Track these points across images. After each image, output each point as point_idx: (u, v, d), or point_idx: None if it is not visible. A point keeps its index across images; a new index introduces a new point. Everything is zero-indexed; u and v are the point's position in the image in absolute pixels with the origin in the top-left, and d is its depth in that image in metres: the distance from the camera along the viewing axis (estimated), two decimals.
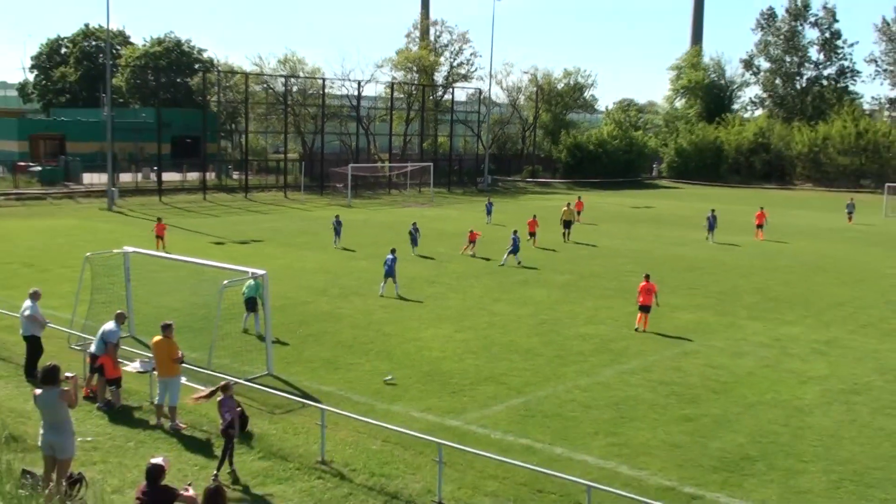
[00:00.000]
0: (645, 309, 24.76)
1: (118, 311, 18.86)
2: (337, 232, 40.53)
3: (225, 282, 19.82)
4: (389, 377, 19.76)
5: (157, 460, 10.96)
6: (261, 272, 20.01)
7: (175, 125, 77.65)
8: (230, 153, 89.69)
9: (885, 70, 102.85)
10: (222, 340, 20.86)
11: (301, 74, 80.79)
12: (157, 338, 16.63)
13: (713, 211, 46.47)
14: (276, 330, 22.34)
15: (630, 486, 14.05)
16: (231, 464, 14.12)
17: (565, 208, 46.11)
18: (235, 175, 78.17)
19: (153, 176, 68.85)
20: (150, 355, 17.46)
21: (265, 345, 20.15)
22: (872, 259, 40.73)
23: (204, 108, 75.05)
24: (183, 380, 16.97)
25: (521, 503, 13.55)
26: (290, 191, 71.63)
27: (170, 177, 71.26)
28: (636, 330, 24.56)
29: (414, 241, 38.25)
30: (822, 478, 14.80)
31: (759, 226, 47.77)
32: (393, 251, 29.63)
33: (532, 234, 41.93)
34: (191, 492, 10.98)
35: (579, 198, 58.57)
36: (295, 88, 79.92)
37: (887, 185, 70.57)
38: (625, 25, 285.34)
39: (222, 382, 14.81)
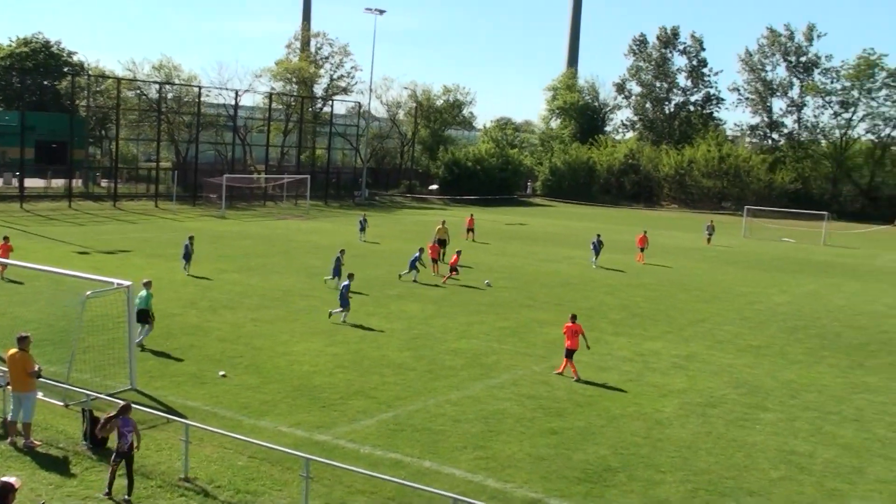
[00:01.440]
0: (570, 354, 22.28)
1: None
2: (187, 256, 34.72)
3: (87, 292, 19.14)
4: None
5: (7, 479, 10.49)
6: (126, 283, 19.42)
7: (40, 129, 74.45)
8: (99, 160, 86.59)
9: (746, 98, 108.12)
10: (83, 354, 20.13)
11: (176, 81, 78.88)
12: (13, 350, 15.90)
13: (599, 235, 45.49)
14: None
15: (496, 499, 14.28)
16: (130, 489, 13.71)
17: (440, 226, 44.28)
18: (104, 183, 75.57)
19: (15, 182, 65.88)
20: (5, 369, 16.67)
21: (128, 358, 19.53)
22: (730, 278, 42.67)
23: (72, 113, 72.35)
24: (39, 395, 16.30)
25: None
26: (162, 200, 69.75)
27: (33, 183, 68.41)
28: (559, 374, 22.29)
29: (336, 272, 32.94)
30: (679, 487, 15.39)
31: (641, 248, 47.30)
32: (350, 276, 28.46)
33: (453, 269, 36.93)
34: None
35: (471, 215, 57.39)
36: (170, 95, 77.92)
37: (746, 207, 74.28)
38: (504, 45, 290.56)
39: (122, 404, 14.29)
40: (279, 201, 77.07)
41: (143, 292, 22.92)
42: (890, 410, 20.78)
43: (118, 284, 19.51)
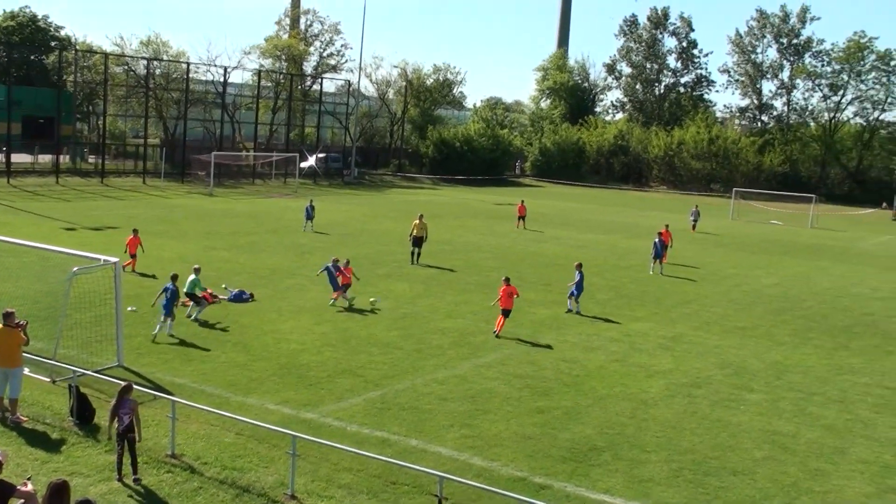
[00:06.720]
0: (506, 313, 24.17)
1: None
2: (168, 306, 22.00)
3: (74, 269, 19.06)
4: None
5: None
6: (113, 259, 19.35)
7: (27, 104, 73.86)
8: (86, 136, 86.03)
9: (736, 80, 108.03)
10: (70, 330, 20.10)
11: (164, 57, 78.34)
12: None
13: (660, 234, 38.42)
14: (128, 319, 21.68)
15: (482, 477, 14.34)
16: (135, 468, 13.59)
17: (416, 222, 36.37)
18: (91, 159, 75.16)
19: (1, 157, 65.42)
20: None
21: (115, 335, 19.48)
22: (717, 260, 42.82)
23: (59, 88, 71.82)
24: (25, 371, 16.27)
25: (374, 495, 13.60)
26: (150, 177, 69.46)
27: (20, 158, 67.95)
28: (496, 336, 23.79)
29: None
30: (663, 467, 15.49)
31: (666, 246, 38.43)
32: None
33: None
34: (29, 486, 10.55)
35: (522, 201, 53.47)
36: (158, 71, 77.37)
37: (735, 189, 74.39)
38: (494, 24, 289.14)
39: (123, 384, 14.20)
40: (268, 179, 76.82)
41: (192, 276, 23.80)
42: (873, 392, 20.96)
43: (105, 261, 19.44)
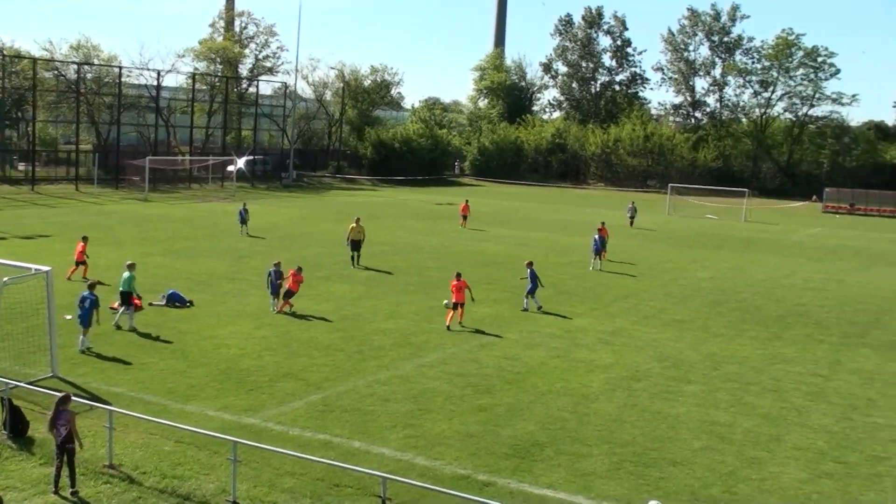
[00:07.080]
0: (457, 306, 25.10)
1: None
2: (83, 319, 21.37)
3: (5, 279, 18.60)
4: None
5: None
6: (45, 268, 18.93)
7: None
8: (15, 143, 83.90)
9: (670, 78, 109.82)
10: (1, 342, 19.64)
11: (95, 62, 76.82)
12: None
13: (600, 228, 40.16)
14: (63, 329, 21.22)
15: (425, 476, 14.36)
16: (73, 481, 13.32)
17: (353, 225, 35.95)
18: (21, 166, 73.31)
19: None
20: None
21: (48, 345, 19.05)
22: (655, 254, 43.46)
23: None
24: None
25: (317, 498, 13.53)
26: (83, 184, 68.04)
27: None
28: (448, 329, 24.67)
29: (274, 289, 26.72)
30: (604, 460, 15.68)
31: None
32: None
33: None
34: None
35: (466, 201, 54.22)
36: (89, 76, 75.79)
37: (670, 185, 75.63)
38: (431, 25, 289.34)
39: (60, 395, 13.84)
40: (204, 183, 75.82)
41: (126, 274, 23.41)
42: (806, 380, 21.48)
43: (37, 270, 19.02)
